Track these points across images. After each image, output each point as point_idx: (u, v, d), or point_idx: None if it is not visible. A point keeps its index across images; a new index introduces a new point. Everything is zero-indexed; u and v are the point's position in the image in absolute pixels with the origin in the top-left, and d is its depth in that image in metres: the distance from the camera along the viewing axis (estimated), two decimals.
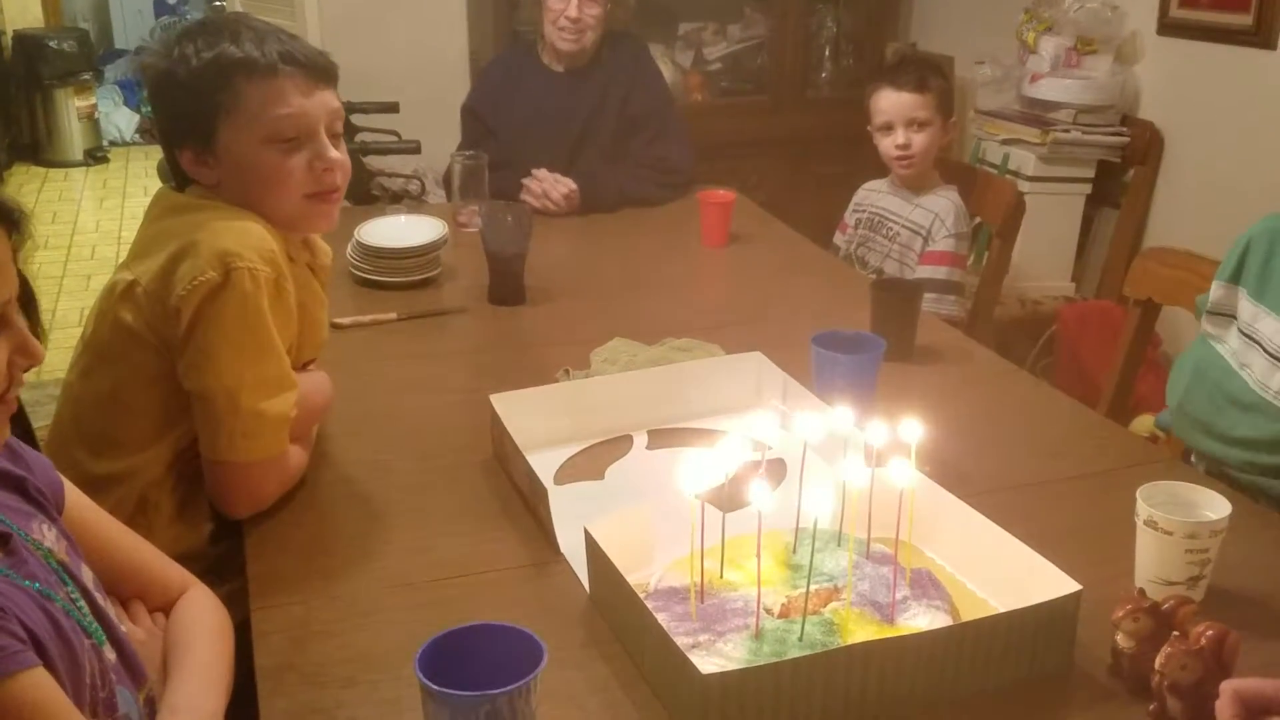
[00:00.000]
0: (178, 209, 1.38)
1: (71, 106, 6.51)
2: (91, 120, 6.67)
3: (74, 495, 1.10)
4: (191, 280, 1.26)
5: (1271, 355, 1.47)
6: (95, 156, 6.63)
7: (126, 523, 1.33)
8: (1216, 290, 1.59)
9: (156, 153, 6.84)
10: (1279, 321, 1.49)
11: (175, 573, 1.16)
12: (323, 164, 1.37)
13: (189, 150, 1.37)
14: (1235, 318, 1.56)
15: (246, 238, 1.29)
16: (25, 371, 0.96)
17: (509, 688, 0.87)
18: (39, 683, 0.87)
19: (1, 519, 0.96)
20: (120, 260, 1.41)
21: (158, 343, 1.31)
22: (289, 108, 1.34)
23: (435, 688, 0.87)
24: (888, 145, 2.43)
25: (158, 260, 1.31)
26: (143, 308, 1.31)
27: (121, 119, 7.15)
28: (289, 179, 1.36)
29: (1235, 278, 1.58)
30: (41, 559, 0.98)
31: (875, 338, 1.62)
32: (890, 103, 2.41)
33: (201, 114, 1.33)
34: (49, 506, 1.05)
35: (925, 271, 2.38)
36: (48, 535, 1.02)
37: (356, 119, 2.83)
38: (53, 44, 6.42)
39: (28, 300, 0.99)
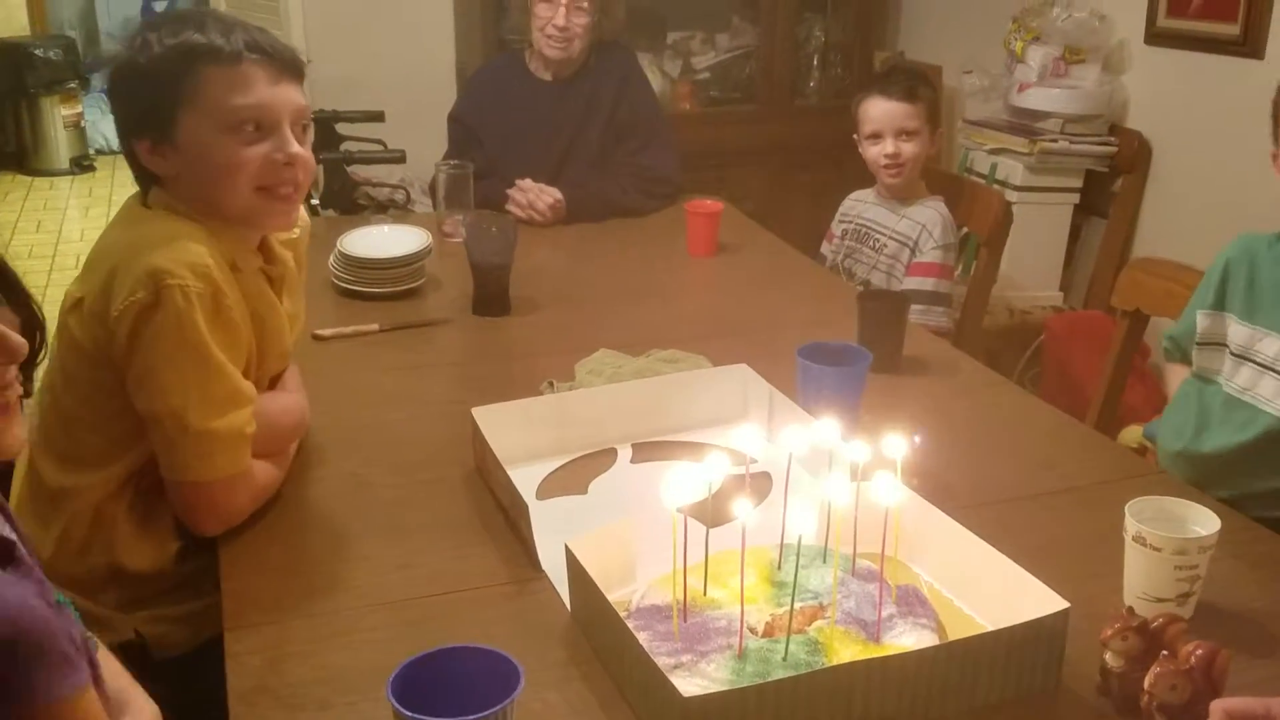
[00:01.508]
0: (126, 221, 1.35)
1: (57, 115, 6.47)
2: (78, 128, 6.63)
3: None
4: (124, 300, 1.23)
5: None
6: (81, 165, 6.59)
7: (84, 538, 1.31)
8: (1202, 320, 1.57)
9: None
10: None
11: None
12: (283, 156, 1.32)
13: (147, 140, 1.32)
14: (1225, 345, 1.54)
15: (179, 254, 1.25)
16: (11, 366, 0.90)
17: (484, 713, 0.85)
18: (95, 700, 0.86)
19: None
20: None
21: (104, 360, 1.28)
22: (252, 96, 1.30)
23: (408, 713, 0.85)
24: (875, 154, 2.42)
25: (99, 277, 1.27)
26: (88, 325, 1.28)
27: (108, 127, 7.06)
28: (243, 169, 1.31)
29: (1219, 304, 1.56)
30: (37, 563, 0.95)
31: (861, 350, 1.60)
32: (880, 111, 2.40)
33: (163, 102, 1.30)
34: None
35: (912, 283, 2.37)
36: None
37: (342, 128, 2.81)
38: (38, 52, 6.38)
39: (10, 290, 0.94)
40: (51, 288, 4.74)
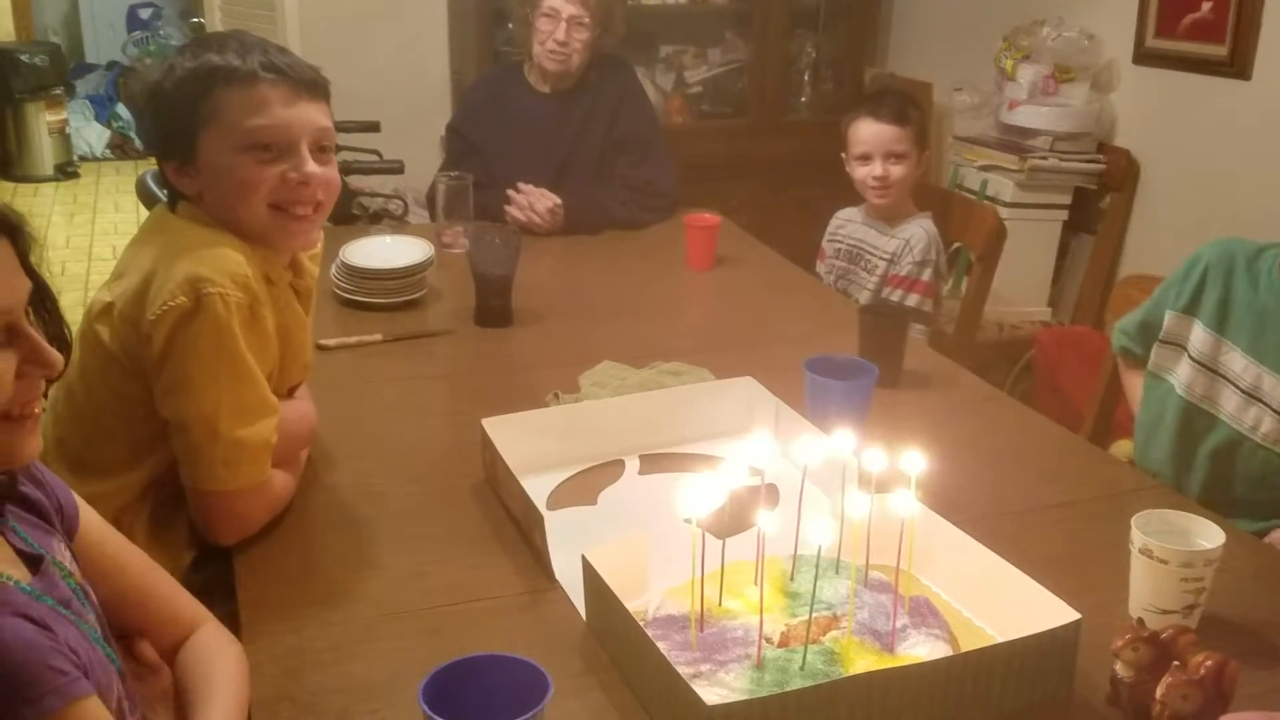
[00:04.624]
0: (159, 229, 1.36)
1: (42, 121, 6.43)
2: (62, 135, 6.59)
3: (88, 515, 1.07)
4: (162, 305, 1.23)
5: (1245, 392, 1.48)
6: (66, 171, 6.56)
7: None
8: (1170, 320, 1.60)
9: (128, 168, 6.77)
10: (1246, 359, 1.49)
11: (188, 605, 1.13)
12: (298, 176, 1.32)
13: (173, 162, 1.34)
14: (1184, 347, 1.56)
15: (219, 262, 1.26)
16: (43, 380, 0.92)
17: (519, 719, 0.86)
18: (97, 711, 0.85)
19: (30, 542, 0.94)
20: (94, 277, 1.38)
21: (133, 367, 1.29)
22: (267, 117, 1.30)
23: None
24: (864, 174, 2.45)
25: (132, 282, 1.28)
26: (118, 331, 1.28)
27: (92, 134, 7.07)
28: (258, 188, 1.31)
29: (1191, 309, 1.58)
30: (64, 581, 0.95)
31: (867, 364, 1.62)
32: (870, 133, 2.43)
33: (184, 124, 1.31)
34: (63, 527, 1.02)
35: (887, 294, 2.40)
36: (65, 556, 0.99)
37: (338, 138, 2.81)
38: (24, 58, 6.34)
39: (44, 302, 0.96)
40: None
